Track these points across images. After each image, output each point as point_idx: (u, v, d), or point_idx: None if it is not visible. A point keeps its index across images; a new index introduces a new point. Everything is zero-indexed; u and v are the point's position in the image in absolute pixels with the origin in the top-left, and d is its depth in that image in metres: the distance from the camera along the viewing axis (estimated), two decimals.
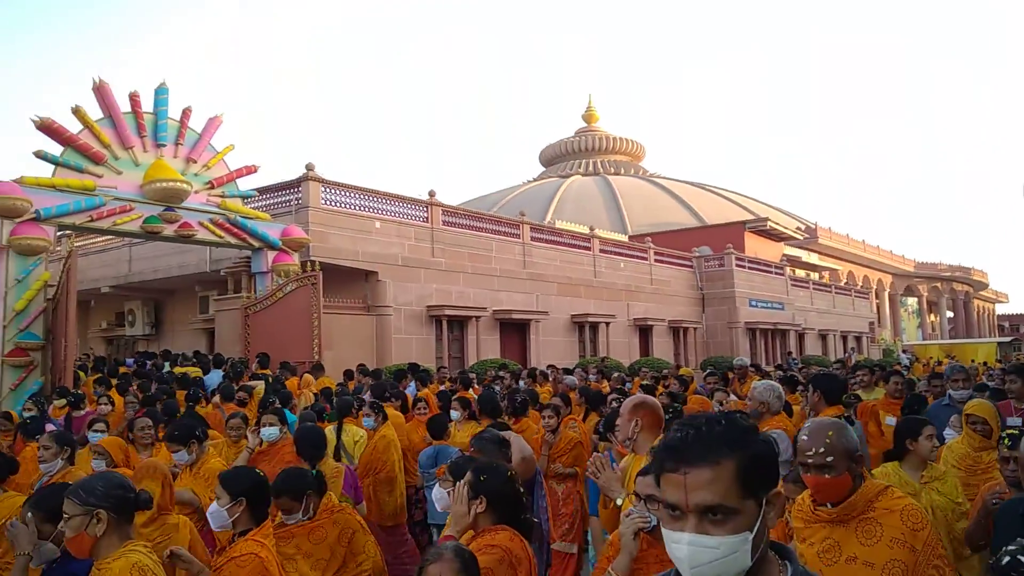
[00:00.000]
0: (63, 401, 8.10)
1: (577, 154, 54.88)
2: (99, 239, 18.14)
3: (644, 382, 10.21)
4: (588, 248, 22.69)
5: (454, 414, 6.79)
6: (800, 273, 37.26)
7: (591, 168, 52.68)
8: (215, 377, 9.99)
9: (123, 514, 2.60)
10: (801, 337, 31.75)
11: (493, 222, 19.76)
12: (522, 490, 2.74)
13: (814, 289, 35.14)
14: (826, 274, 42.13)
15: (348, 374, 10.97)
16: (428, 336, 16.73)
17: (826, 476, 2.42)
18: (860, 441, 4.84)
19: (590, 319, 21.29)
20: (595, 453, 3.67)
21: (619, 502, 3.25)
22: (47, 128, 10.60)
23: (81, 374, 10.28)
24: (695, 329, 26.66)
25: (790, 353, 28.34)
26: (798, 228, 42.22)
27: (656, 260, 25.95)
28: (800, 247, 40.27)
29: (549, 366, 14.22)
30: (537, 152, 59.45)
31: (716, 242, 30.51)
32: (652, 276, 25.36)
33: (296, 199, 14.94)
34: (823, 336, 34.39)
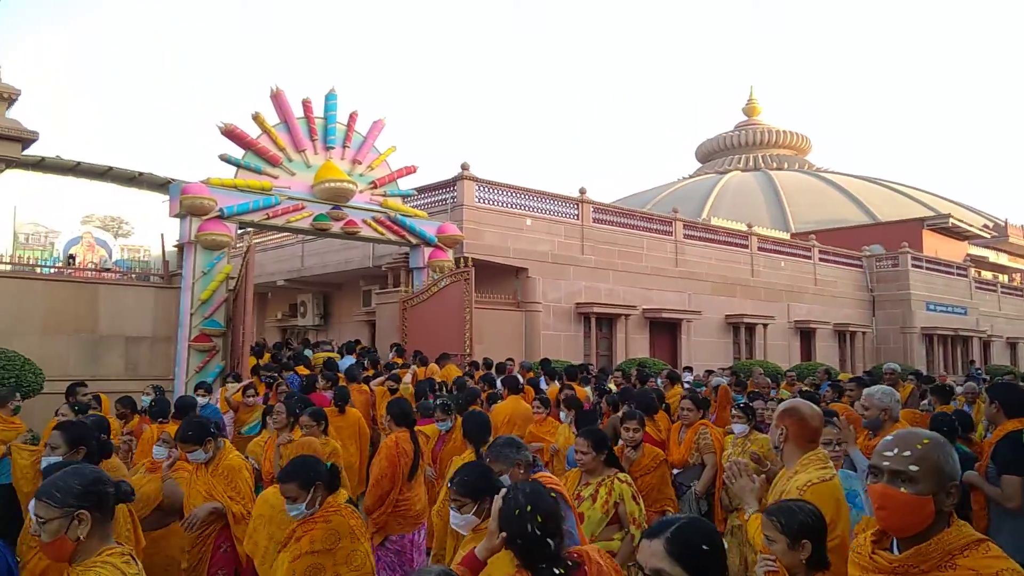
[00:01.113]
0: (236, 385, 8.89)
1: (736, 149, 52.84)
2: (275, 236, 19.65)
3: (803, 388, 9.68)
4: (745, 246, 21.84)
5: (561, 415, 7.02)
6: (987, 275, 33.85)
7: (751, 163, 50.56)
8: (347, 362, 11.04)
9: (105, 511, 2.36)
10: (986, 345, 28.90)
11: (645, 219, 19.49)
12: (551, 538, 2.36)
13: (1003, 293, 31.80)
14: (1017, 276, 38.01)
15: (474, 365, 11.36)
16: (576, 333, 16.78)
17: (900, 489, 1.92)
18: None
19: (746, 320, 20.49)
20: (733, 459, 3.49)
21: (748, 514, 3.07)
22: (230, 133, 11.64)
23: (253, 359, 11.23)
24: (863, 333, 24.96)
25: (972, 362, 25.86)
26: (985, 226, 38.36)
27: (821, 259, 24.53)
28: (987, 246, 36.55)
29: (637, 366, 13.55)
30: (693, 148, 57.84)
31: (890, 240, 28.35)
32: (816, 276, 24.00)
33: (451, 197, 15.47)
34: (1012, 345, 31.06)
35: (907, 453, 1.96)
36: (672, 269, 19.21)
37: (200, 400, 7.80)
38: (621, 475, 4.12)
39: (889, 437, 2.06)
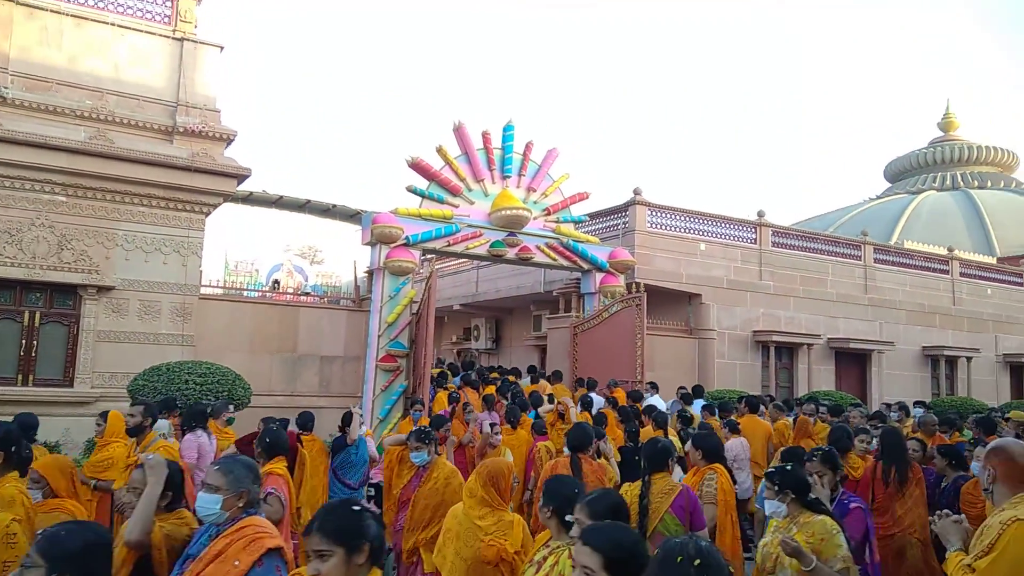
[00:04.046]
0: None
1: (930, 167, 48.66)
2: (452, 262, 20.48)
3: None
4: (946, 271, 20.01)
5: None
6: None
7: (948, 182, 46.34)
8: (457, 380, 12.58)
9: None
10: None
11: (829, 243, 18.39)
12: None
13: None
14: None
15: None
16: (754, 363, 16.06)
17: None
18: None
19: (946, 352, 18.70)
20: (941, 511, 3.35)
21: (951, 551, 3.06)
22: (416, 166, 12.31)
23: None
24: None
25: None
26: None
27: None
28: None
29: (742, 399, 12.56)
30: (880, 167, 53.97)
31: None
32: None
33: (623, 223, 15.41)
34: None
35: None
36: (861, 296, 17.94)
37: (415, 414, 8.42)
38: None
39: None
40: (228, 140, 11.25)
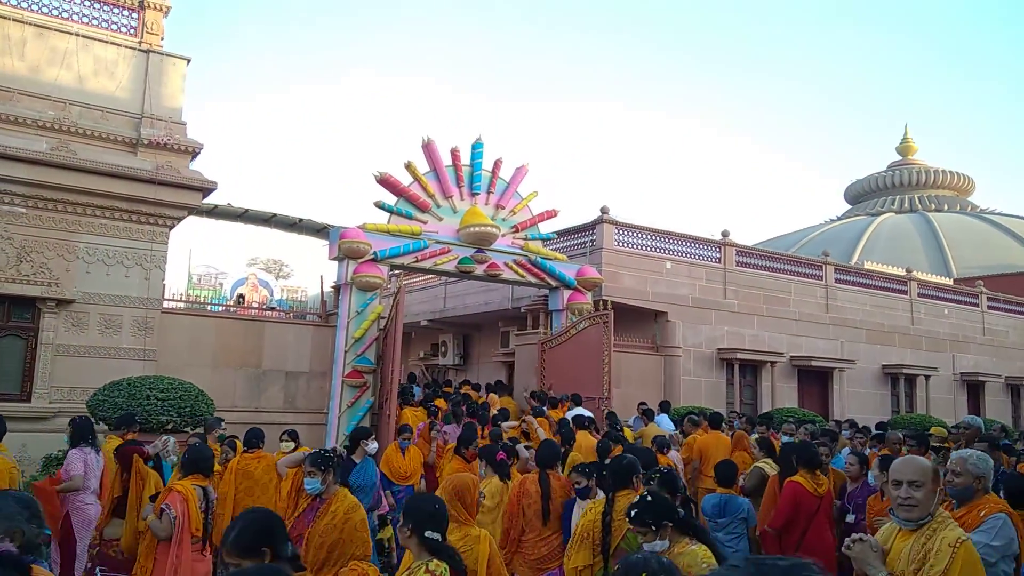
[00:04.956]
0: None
1: (889, 189, 49.87)
2: (419, 278, 20.43)
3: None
4: (904, 292, 20.48)
5: None
6: None
7: (906, 205, 47.53)
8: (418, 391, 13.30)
9: None
10: None
11: (792, 262, 18.73)
12: None
13: None
14: None
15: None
16: (719, 380, 16.24)
17: None
18: None
19: (905, 371, 19.11)
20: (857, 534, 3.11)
21: None
22: (385, 182, 12.30)
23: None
24: None
25: None
26: None
27: (990, 307, 22.59)
28: None
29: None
30: (840, 190, 55.18)
31: None
32: (984, 325, 22.08)
33: (591, 241, 15.54)
34: None
35: None
36: (823, 315, 18.28)
37: (403, 443, 8.56)
38: (432, 564, 3.20)
39: None
40: (194, 153, 11.14)
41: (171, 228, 11.06)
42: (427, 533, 3.25)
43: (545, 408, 11.05)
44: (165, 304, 11.22)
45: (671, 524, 3.55)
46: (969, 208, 47.42)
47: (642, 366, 15.12)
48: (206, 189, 11.14)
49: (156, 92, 10.96)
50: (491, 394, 13.29)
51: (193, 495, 4.82)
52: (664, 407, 11.68)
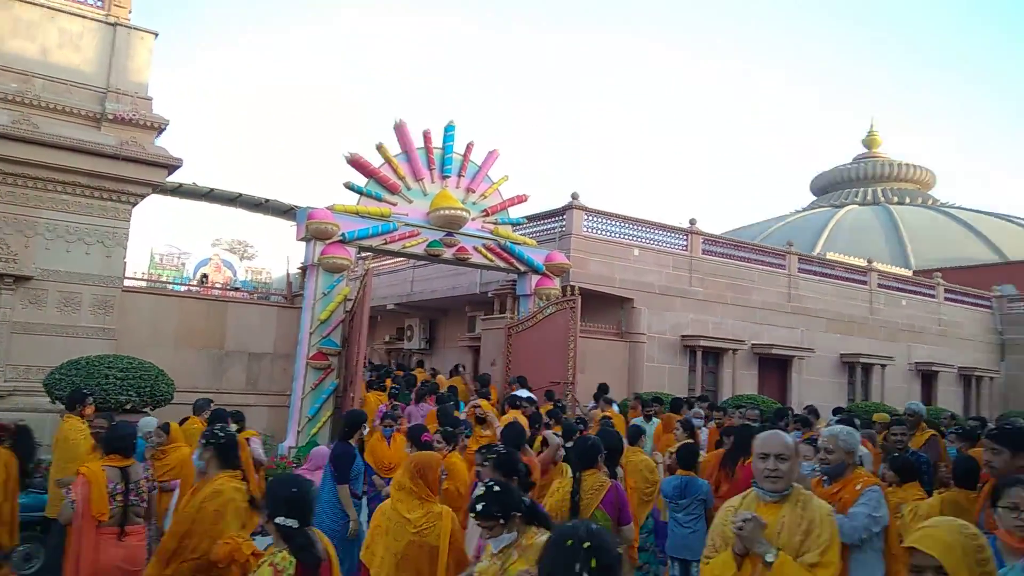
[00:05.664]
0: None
1: (854, 182, 50.72)
2: (388, 261, 20.33)
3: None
4: (864, 282, 20.91)
5: None
6: None
7: (870, 197, 48.39)
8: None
9: None
10: None
11: (757, 251, 19.01)
12: None
13: None
14: None
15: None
16: (681, 366, 16.48)
17: None
18: None
19: (862, 360, 19.56)
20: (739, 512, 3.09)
21: (769, 559, 2.88)
22: (355, 163, 12.22)
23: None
24: (991, 379, 23.34)
25: None
26: None
27: (946, 298, 23.18)
28: None
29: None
30: (807, 181, 55.96)
31: (1022, 280, 26.46)
32: (940, 316, 22.67)
33: (560, 226, 15.60)
34: None
35: None
36: (785, 304, 18.60)
37: (386, 430, 8.25)
38: (278, 557, 3.06)
39: None
40: (159, 129, 10.94)
41: (134, 205, 10.87)
42: (278, 520, 3.06)
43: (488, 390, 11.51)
44: (126, 283, 11.04)
45: (519, 515, 3.28)
46: (930, 202, 48.43)
47: (607, 352, 15.27)
48: (171, 166, 10.94)
49: (122, 66, 10.73)
50: (439, 375, 14.19)
51: (99, 477, 4.44)
52: (603, 389, 11.88)
